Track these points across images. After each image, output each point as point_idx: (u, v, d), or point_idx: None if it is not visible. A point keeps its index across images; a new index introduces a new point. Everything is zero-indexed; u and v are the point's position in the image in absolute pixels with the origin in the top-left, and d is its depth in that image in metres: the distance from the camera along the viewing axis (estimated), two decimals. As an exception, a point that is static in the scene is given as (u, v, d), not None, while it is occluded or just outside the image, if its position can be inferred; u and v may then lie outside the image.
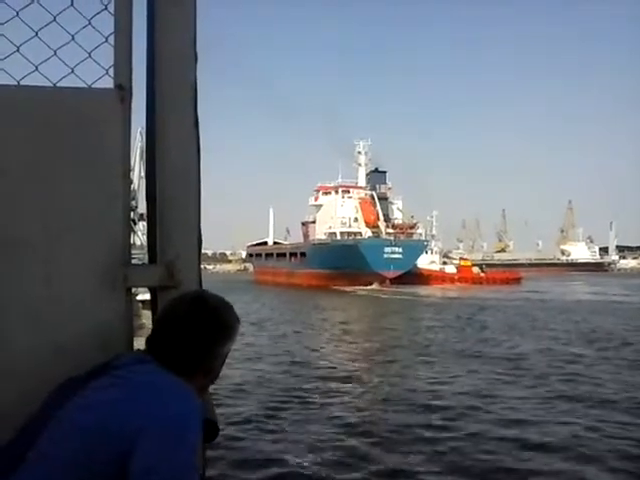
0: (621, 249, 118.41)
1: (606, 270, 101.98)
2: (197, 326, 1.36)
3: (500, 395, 8.92)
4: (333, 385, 9.59)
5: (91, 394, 1.27)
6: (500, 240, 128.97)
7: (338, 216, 55.97)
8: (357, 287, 44.25)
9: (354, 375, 10.56)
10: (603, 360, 12.13)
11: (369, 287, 45.20)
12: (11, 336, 1.46)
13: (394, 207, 59.33)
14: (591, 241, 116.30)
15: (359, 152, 60.02)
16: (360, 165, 60.16)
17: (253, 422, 7.21)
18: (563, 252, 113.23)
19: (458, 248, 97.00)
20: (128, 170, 1.53)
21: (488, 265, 74.14)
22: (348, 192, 58.16)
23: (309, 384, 9.57)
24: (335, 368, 11.28)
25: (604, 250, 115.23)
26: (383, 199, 57.07)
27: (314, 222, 61.54)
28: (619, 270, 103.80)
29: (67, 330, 1.48)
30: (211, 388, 1.55)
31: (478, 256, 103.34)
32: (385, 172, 61.48)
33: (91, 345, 1.47)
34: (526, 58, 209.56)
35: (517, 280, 56.16)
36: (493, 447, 6.32)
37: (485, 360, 12.16)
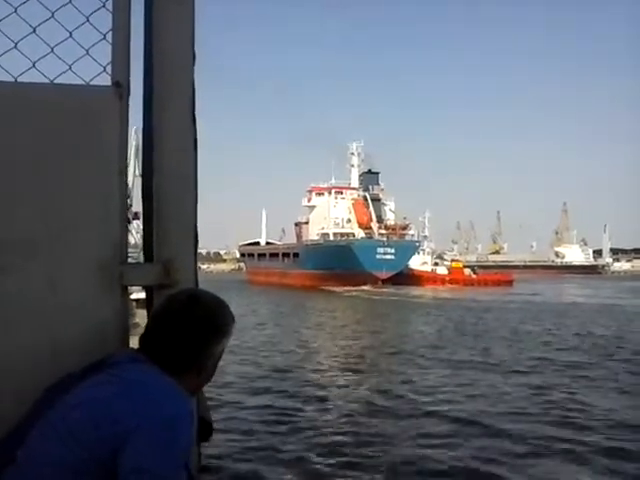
0: (615, 252, 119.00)
1: (600, 273, 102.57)
2: (191, 324, 1.35)
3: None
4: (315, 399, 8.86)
5: (83, 392, 1.27)
6: (494, 242, 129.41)
7: (331, 217, 56.12)
8: (349, 288, 44.31)
9: (341, 385, 9.85)
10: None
11: (362, 288, 45.30)
12: (9, 333, 1.46)
13: (387, 208, 59.54)
14: (585, 244, 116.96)
15: (352, 153, 60.26)
16: (353, 166, 60.37)
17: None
18: (557, 254, 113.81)
19: (452, 249, 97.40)
20: (125, 167, 1.53)
21: (483, 267, 74.38)
22: (341, 193, 58.35)
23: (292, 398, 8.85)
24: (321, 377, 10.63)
25: (598, 253, 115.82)
26: (376, 200, 57.25)
27: (307, 223, 61.65)
28: (613, 273, 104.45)
29: (64, 327, 1.47)
30: (207, 388, 1.55)
31: (472, 258, 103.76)
32: (378, 173, 61.75)
33: (87, 342, 1.46)
34: (524, 60, 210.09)
35: (509, 282, 56.45)
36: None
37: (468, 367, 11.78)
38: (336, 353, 13.74)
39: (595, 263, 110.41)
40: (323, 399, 8.70)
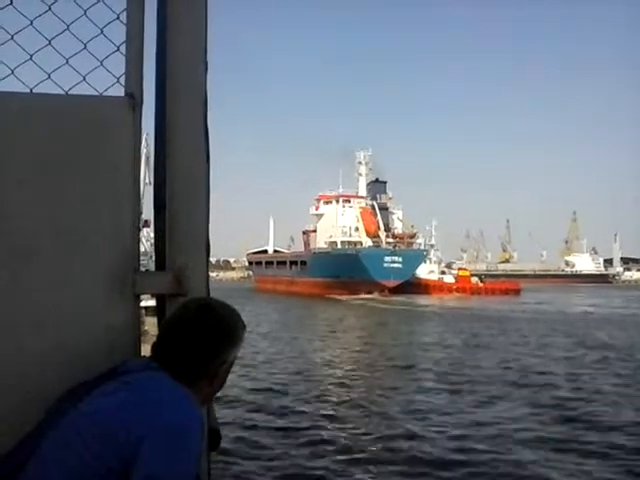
0: (625, 261, 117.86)
1: (610, 282, 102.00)
2: (203, 332, 1.36)
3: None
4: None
5: (96, 400, 1.28)
6: (504, 250, 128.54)
7: (339, 225, 56.23)
8: (357, 296, 44.27)
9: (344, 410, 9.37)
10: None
11: (369, 296, 45.28)
12: (20, 341, 1.46)
13: (394, 217, 59.68)
14: (595, 252, 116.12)
15: (359, 162, 60.52)
16: (361, 175, 60.68)
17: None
18: (567, 263, 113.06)
19: (462, 258, 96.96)
20: (138, 178, 1.55)
21: (492, 276, 74.16)
22: (349, 202, 58.50)
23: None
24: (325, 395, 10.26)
25: (608, 262, 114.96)
26: (383, 209, 57.42)
27: (315, 231, 61.78)
28: (623, 282, 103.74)
29: (76, 335, 1.48)
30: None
31: (482, 266, 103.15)
32: (385, 182, 62.03)
33: (99, 350, 1.47)
34: (531, 64, 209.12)
35: (516, 291, 56.19)
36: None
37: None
38: (342, 375, 12.65)
39: (605, 272, 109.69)
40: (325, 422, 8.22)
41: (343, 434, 7.86)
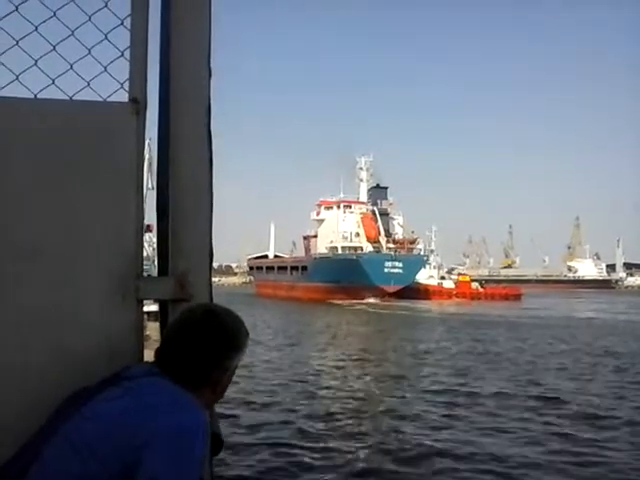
0: (628, 266, 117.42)
1: (613, 287, 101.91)
2: (206, 339, 1.36)
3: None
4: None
5: (99, 405, 1.27)
6: (507, 256, 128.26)
7: (340, 231, 56.30)
8: (357, 301, 44.30)
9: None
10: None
11: (369, 301, 45.36)
12: (22, 345, 1.46)
13: (395, 222, 59.81)
14: (598, 258, 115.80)
15: (360, 168, 60.70)
16: (362, 181, 60.86)
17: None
18: (570, 268, 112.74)
19: (464, 263, 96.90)
20: (141, 182, 1.55)
21: (495, 281, 74.12)
22: (350, 207, 58.63)
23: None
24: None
25: (611, 267, 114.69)
26: (384, 214, 57.55)
27: (316, 236, 61.84)
28: (626, 287, 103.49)
29: (78, 340, 1.48)
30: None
31: (484, 272, 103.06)
32: (386, 188, 62.16)
33: (102, 356, 1.47)
34: (537, 73, 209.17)
35: (517, 296, 56.13)
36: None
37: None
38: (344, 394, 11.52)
39: (608, 277, 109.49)
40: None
41: (339, 449, 7.65)
